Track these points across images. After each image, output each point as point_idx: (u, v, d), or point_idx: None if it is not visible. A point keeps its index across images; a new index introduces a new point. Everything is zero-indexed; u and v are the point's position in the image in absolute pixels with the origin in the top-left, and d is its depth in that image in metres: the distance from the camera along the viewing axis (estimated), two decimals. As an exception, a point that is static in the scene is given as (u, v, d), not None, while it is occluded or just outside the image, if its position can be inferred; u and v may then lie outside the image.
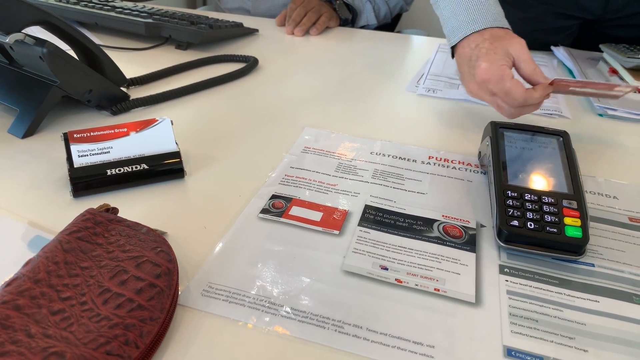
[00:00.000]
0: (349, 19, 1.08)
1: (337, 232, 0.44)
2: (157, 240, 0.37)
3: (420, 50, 0.95)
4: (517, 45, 0.55)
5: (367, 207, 0.47)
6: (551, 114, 0.69)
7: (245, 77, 0.77)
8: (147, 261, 0.35)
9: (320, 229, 0.44)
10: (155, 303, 0.32)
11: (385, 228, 0.44)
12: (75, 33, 0.59)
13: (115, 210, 0.40)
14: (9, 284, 0.30)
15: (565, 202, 0.43)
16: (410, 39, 1.01)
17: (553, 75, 0.83)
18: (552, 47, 0.94)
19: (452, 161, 0.55)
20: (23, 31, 0.55)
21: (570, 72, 0.85)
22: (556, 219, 0.42)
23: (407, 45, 0.98)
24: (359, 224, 0.45)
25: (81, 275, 0.32)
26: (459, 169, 0.54)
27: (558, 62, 0.90)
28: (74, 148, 0.47)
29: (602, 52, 0.86)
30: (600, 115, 0.70)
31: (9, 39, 0.53)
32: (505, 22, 0.60)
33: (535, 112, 0.69)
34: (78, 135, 0.48)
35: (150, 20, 0.88)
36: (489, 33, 0.57)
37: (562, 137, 0.50)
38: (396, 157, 0.56)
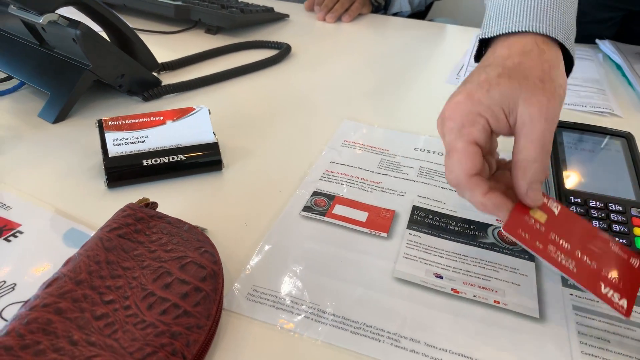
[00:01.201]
0: (382, 5, 1.04)
1: (385, 234, 0.41)
2: (200, 240, 0.35)
3: (456, 39, 0.91)
4: (535, 108, 0.33)
5: (415, 208, 0.44)
6: (602, 112, 0.65)
7: (278, 65, 0.74)
8: (192, 262, 0.32)
9: (367, 230, 0.41)
10: (202, 309, 0.30)
11: (437, 232, 0.42)
12: (109, 14, 0.57)
13: (154, 205, 0.38)
14: (49, 284, 0.28)
15: (634, 211, 0.40)
16: (445, 28, 0.97)
17: (599, 71, 0.79)
18: (597, 41, 0.89)
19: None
20: (56, 11, 0.53)
21: (618, 67, 0.80)
22: (625, 229, 0.38)
23: (442, 34, 0.94)
24: (408, 227, 0.42)
25: (123, 276, 0.30)
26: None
27: (604, 56, 0.85)
28: (109, 136, 0.45)
29: (652, 46, 0.81)
30: (654, 114, 0.66)
31: (42, 19, 0.51)
32: (567, 31, 0.38)
33: (584, 109, 0.65)
34: (113, 123, 0.46)
35: (179, 3, 0.85)
36: (525, 49, 0.36)
37: (627, 138, 0.47)
38: (442, 154, 0.53)
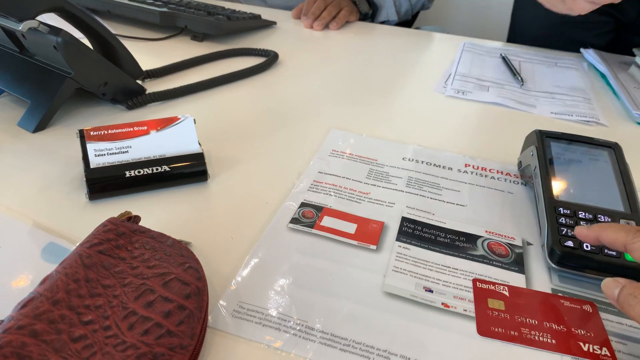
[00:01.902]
0: (369, 14, 1.04)
1: (374, 247, 0.40)
2: (184, 255, 0.34)
3: (443, 48, 0.91)
4: None
5: (404, 219, 0.44)
6: (588, 121, 0.65)
7: (264, 73, 0.74)
8: (175, 279, 0.31)
9: (355, 242, 0.41)
10: (185, 328, 0.29)
11: (426, 244, 0.41)
12: (91, 21, 0.55)
13: (137, 219, 0.36)
14: (24, 305, 0.27)
15: (622, 222, 0.40)
16: (432, 36, 0.98)
17: (584, 80, 0.79)
18: (582, 50, 0.90)
19: (490, 170, 0.52)
20: (36, 18, 0.51)
21: (603, 76, 0.81)
22: (614, 241, 0.38)
23: (429, 42, 0.94)
24: (397, 239, 0.41)
25: (103, 295, 0.29)
26: (497, 179, 0.51)
27: (589, 65, 0.86)
28: (91, 147, 0.44)
29: (635, 56, 0.82)
30: (639, 123, 0.66)
31: (22, 27, 0.50)
32: None
33: (570, 118, 0.66)
34: (95, 133, 0.45)
35: (165, 10, 0.84)
36: None
37: (614, 149, 0.47)
38: (430, 163, 0.52)
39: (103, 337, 0.27)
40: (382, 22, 1.07)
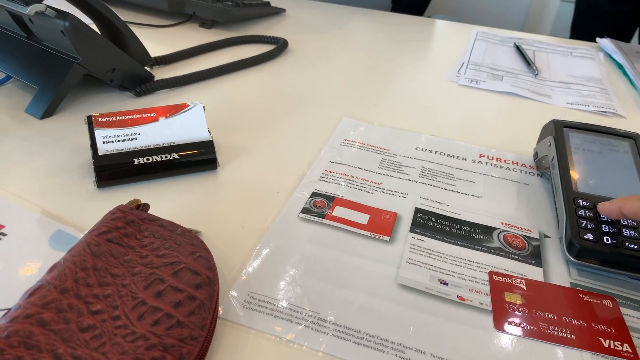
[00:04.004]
0: None
1: (387, 238, 0.39)
2: (194, 244, 0.33)
3: (455, 36, 0.89)
4: None
5: (417, 210, 0.43)
6: (605, 112, 0.64)
7: (274, 60, 0.72)
8: (185, 268, 0.31)
9: (368, 233, 0.40)
10: (196, 319, 0.28)
11: (441, 235, 0.40)
12: (100, 6, 0.54)
13: (146, 207, 0.36)
14: (32, 293, 0.26)
15: (644, 214, 0.38)
16: (444, 24, 0.96)
17: (601, 70, 0.77)
18: (598, 39, 0.88)
19: (505, 161, 0.51)
20: (44, 2, 0.50)
21: (620, 66, 0.79)
22: (636, 234, 0.37)
23: (441, 31, 0.92)
24: (411, 230, 0.40)
25: (112, 284, 0.29)
26: (513, 169, 0.49)
27: (605, 55, 0.84)
28: (99, 133, 0.43)
29: (654, 45, 0.80)
30: (658, 114, 0.65)
31: (29, 10, 0.49)
32: None
33: (586, 109, 0.64)
34: (103, 119, 0.44)
35: (173, -4, 0.83)
36: None
37: (635, 140, 0.45)
38: (444, 154, 0.51)
39: (112, 327, 0.26)
40: None
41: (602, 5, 1.12)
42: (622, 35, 1.29)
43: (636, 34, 1.36)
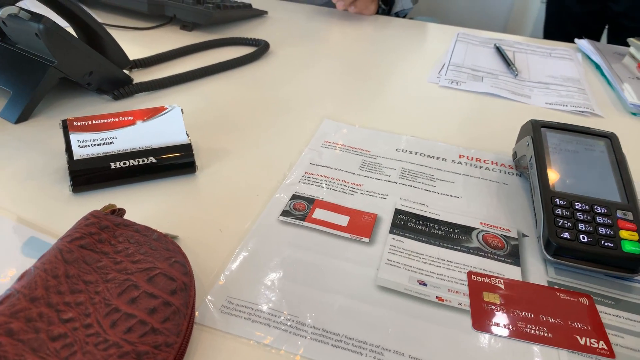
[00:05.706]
0: (386, 10, 1.02)
1: (367, 239, 0.39)
2: (170, 249, 0.32)
3: (437, 38, 0.90)
4: None
5: (397, 211, 0.43)
6: (583, 112, 0.65)
7: (255, 63, 0.72)
8: (161, 274, 0.30)
9: (348, 235, 0.40)
10: (171, 325, 0.28)
11: (420, 236, 0.40)
12: (76, 8, 0.54)
13: (121, 212, 0.35)
14: (0, 302, 0.26)
15: (619, 213, 0.39)
16: (425, 26, 0.96)
17: (579, 70, 0.78)
18: (576, 40, 0.89)
19: (484, 161, 0.51)
20: (17, 4, 0.49)
21: (597, 66, 0.80)
22: (611, 232, 0.38)
23: (422, 32, 0.93)
24: (391, 231, 0.40)
25: (85, 291, 0.28)
26: (492, 169, 0.50)
27: (583, 56, 0.85)
28: (74, 137, 0.42)
29: (629, 46, 0.82)
30: (634, 114, 0.66)
31: (1, 13, 0.48)
32: None
33: (565, 109, 0.65)
34: (78, 123, 0.43)
35: (153, -2, 0.82)
36: None
37: (611, 139, 0.46)
38: (424, 154, 0.51)
39: (84, 335, 0.26)
40: (396, 14, 1.05)
41: (572, 5, 1.17)
42: (592, 33, 1.33)
43: (605, 31, 1.40)
